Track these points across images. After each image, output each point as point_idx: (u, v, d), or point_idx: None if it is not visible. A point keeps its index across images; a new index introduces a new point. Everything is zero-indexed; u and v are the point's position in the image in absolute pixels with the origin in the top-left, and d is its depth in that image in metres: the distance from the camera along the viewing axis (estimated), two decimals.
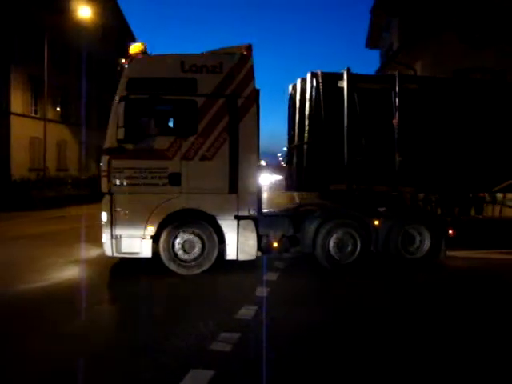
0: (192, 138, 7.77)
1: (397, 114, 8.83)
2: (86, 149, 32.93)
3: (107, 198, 7.75)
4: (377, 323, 5.66)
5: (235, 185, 7.86)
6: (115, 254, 7.77)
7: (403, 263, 8.64)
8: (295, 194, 10.56)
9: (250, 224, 7.93)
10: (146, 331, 5.26)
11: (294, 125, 9.45)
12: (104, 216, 7.76)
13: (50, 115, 28.19)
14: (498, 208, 10.15)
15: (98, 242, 8.30)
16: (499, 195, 9.88)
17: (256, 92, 8.06)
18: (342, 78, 8.89)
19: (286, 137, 10.22)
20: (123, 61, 8.12)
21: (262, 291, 6.79)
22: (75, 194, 23.48)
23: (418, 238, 8.69)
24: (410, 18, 23.14)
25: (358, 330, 5.39)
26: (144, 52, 8.10)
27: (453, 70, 19.17)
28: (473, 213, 9.90)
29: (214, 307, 6.20)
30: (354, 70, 9.07)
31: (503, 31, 21.26)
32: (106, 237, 7.76)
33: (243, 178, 7.90)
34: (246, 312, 5.83)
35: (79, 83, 31.27)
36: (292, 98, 9.80)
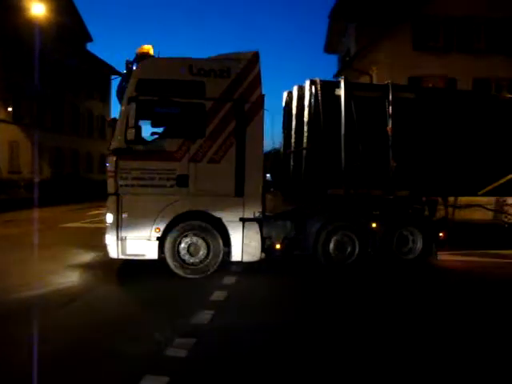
0: (200, 141, 7.88)
1: (391, 121, 9.15)
2: (40, 150, 31.99)
3: (113, 198, 7.71)
4: (339, 326, 5.71)
5: (241, 188, 8.00)
6: (120, 256, 7.74)
7: (389, 264, 9.02)
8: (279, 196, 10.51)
9: (255, 226, 8.09)
10: (102, 336, 5.15)
11: (291, 131, 9.68)
12: (109, 217, 7.72)
13: (1, 115, 27.26)
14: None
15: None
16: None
17: (262, 97, 8.22)
18: (339, 86, 9.16)
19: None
20: (129, 61, 8.20)
21: (219, 295, 6.76)
22: (28, 197, 22.81)
23: (410, 240, 9.13)
24: (367, 24, 23.64)
25: (316, 334, 5.41)
26: (151, 54, 8.16)
27: (408, 76, 19.77)
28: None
29: (171, 312, 6.12)
30: (313, 75, 9.25)
31: (455, 40, 22.02)
32: (110, 238, 7.71)
33: (249, 182, 8.04)
34: (202, 317, 5.77)
35: (32, 83, 30.39)
36: (288, 104, 10.01)
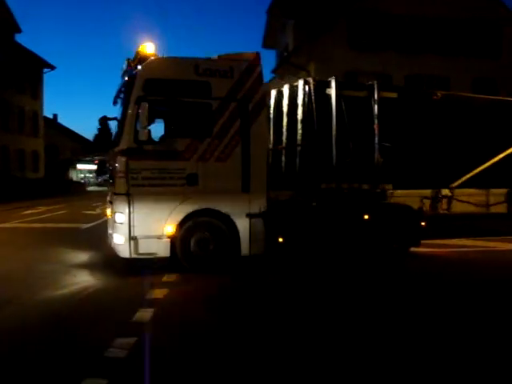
0: (208, 140, 8.07)
1: (376, 119, 9.81)
2: None
3: (123, 198, 7.74)
4: (278, 323, 5.70)
5: (247, 185, 8.28)
6: (133, 256, 7.78)
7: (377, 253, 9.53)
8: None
9: (261, 221, 8.34)
10: (40, 338, 4.95)
11: (282, 128, 9.91)
12: (120, 217, 7.77)
13: None
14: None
15: None
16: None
17: (264, 97, 8.61)
18: (330, 86, 9.61)
19: None
20: (131, 60, 8.28)
21: (160, 293, 6.66)
22: None
23: (398, 229, 9.62)
24: (305, 20, 23.91)
25: (256, 332, 5.38)
26: (154, 53, 8.12)
27: (344, 72, 20.18)
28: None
29: (110, 311, 5.96)
30: None
31: (389, 38, 22.70)
32: (122, 238, 7.76)
33: (254, 178, 8.31)
34: (143, 315, 5.64)
35: None
36: (278, 102, 10.18)
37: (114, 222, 7.98)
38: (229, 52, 8.50)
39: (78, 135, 61.92)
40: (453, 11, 22.55)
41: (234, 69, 8.25)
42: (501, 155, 11.42)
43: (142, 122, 7.53)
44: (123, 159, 7.77)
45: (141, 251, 7.78)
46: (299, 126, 9.51)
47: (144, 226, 7.76)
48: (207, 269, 8.05)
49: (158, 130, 8.44)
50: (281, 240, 8.61)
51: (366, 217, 9.38)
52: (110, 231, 8.98)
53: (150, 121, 7.77)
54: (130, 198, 7.72)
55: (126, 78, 8.45)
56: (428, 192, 11.07)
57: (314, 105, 9.44)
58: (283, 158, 9.83)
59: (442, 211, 11.20)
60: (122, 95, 8.96)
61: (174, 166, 7.96)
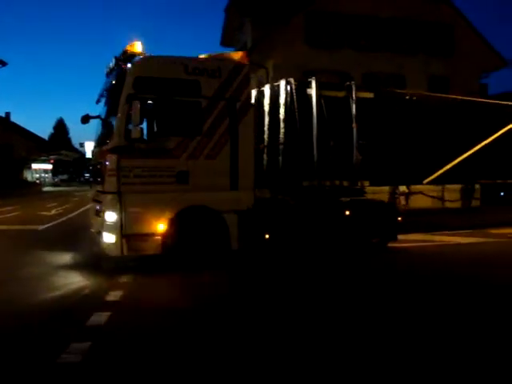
0: (198, 138, 8.16)
1: (354, 118, 10.16)
2: None
3: (114, 197, 7.71)
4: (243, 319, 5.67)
5: (236, 182, 8.44)
6: (125, 253, 7.76)
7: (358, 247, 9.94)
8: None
9: (248, 218, 8.49)
10: None
11: (263, 127, 9.95)
12: (111, 216, 7.72)
13: None
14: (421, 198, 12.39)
15: None
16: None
17: (250, 96, 8.91)
18: (310, 86, 9.86)
19: None
20: (119, 58, 8.25)
21: (115, 295, 6.52)
22: None
23: (377, 225, 10.06)
24: (263, 18, 23.89)
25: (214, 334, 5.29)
26: (142, 51, 8.14)
27: (303, 70, 20.27)
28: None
29: (64, 314, 5.78)
30: None
31: (345, 37, 22.95)
32: (113, 237, 7.71)
33: (242, 176, 8.50)
34: (98, 318, 5.48)
35: None
36: (259, 101, 10.20)
37: (104, 220, 7.87)
38: (212, 52, 8.77)
39: (33, 134, 60.07)
40: (408, 12, 22.96)
41: (222, 68, 8.39)
42: (469, 152, 12.12)
43: (134, 120, 7.53)
44: (114, 157, 7.72)
45: (133, 249, 7.78)
46: (282, 125, 9.67)
47: (135, 224, 7.75)
48: (198, 265, 8.09)
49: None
50: (267, 236, 8.81)
51: (348, 213, 9.77)
52: (93, 229, 9.05)
53: (142, 119, 7.72)
54: (120, 196, 7.69)
55: (114, 76, 8.41)
56: (386, 188, 11.34)
57: (295, 104, 9.66)
58: (265, 157, 9.92)
59: (401, 207, 11.49)
60: (105, 93, 9.01)
61: (164, 163, 8.00)
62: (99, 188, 8.54)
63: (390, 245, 10.31)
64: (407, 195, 11.92)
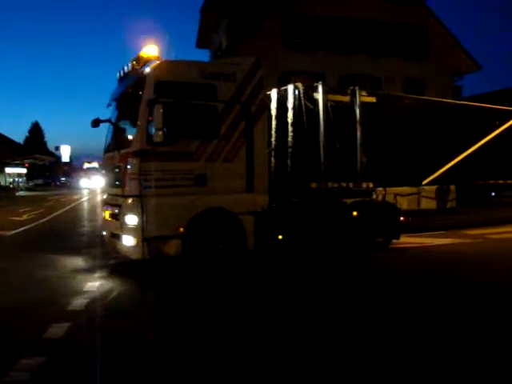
0: (215, 141, 8.31)
1: (359, 122, 10.42)
2: None
3: (136, 200, 7.78)
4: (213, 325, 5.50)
5: (251, 184, 8.64)
6: (145, 256, 7.75)
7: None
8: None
9: (263, 219, 8.69)
10: None
11: (270, 130, 9.95)
12: (132, 219, 7.77)
13: None
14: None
15: None
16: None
17: (264, 100, 9.12)
18: (317, 91, 10.08)
19: None
20: (136, 61, 8.34)
21: (78, 304, 6.23)
22: None
23: (382, 224, 10.45)
24: (239, 19, 23.76)
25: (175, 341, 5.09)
26: (158, 55, 8.25)
27: (279, 72, 20.20)
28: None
29: (19, 325, 5.46)
30: None
31: (321, 38, 22.94)
32: (134, 240, 7.73)
33: (257, 178, 8.71)
34: (56, 331, 5.14)
35: None
36: None
37: (124, 224, 7.91)
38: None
39: (7, 138, 58.94)
40: (383, 14, 23.11)
41: (236, 73, 8.60)
42: (464, 153, 12.56)
43: (156, 124, 7.62)
44: (136, 161, 7.80)
45: (154, 252, 7.78)
46: (290, 128, 9.84)
47: (156, 227, 7.77)
48: (217, 265, 8.16)
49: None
50: (280, 237, 9.08)
51: (355, 213, 10.16)
52: (105, 233, 9.12)
53: (168, 122, 7.77)
54: (142, 199, 7.74)
55: (131, 81, 8.53)
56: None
57: (303, 109, 9.87)
58: (273, 160, 9.97)
59: None
60: (118, 98, 9.14)
61: (185, 166, 8.10)
62: (115, 191, 8.63)
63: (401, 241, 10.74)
64: (383, 196, 11.92)
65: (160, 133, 7.62)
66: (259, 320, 5.63)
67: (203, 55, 32.72)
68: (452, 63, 24.33)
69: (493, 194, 19.85)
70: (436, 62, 23.79)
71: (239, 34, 22.56)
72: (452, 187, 15.47)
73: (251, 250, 8.57)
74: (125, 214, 7.93)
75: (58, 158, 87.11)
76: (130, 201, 7.89)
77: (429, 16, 24.61)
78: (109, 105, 9.46)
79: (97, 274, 8.15)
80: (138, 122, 7.94)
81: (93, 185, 57.74)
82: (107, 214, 9.04)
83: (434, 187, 13.54)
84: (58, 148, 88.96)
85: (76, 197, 37.01)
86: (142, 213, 7.69)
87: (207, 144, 8.24)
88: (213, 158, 8.27)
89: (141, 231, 7.67)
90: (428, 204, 14.67)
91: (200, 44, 31.79)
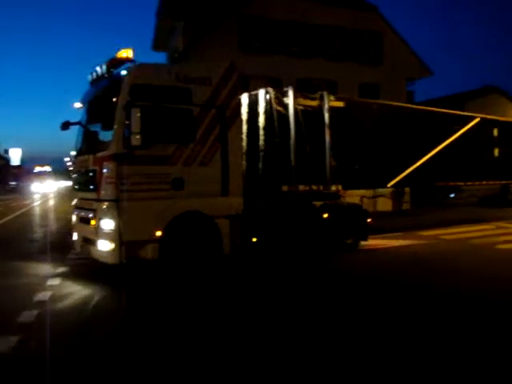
0: (191, 145, 8.36)
1: (328, 126, 10.68)
2: None
3: (112, 205, 7.70)
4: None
5: (227, 188, 8.72)
6: (123, 261, 7.69)
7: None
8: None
9: (238, 223, 8.79)
10: None
11: (241, 134, 9.93)
12: (108, 223, 7.69)
13: None
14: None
15: None
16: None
17: (239, 104, 9.21)
18: (287, 95, 10.24)
19: (69, 143, 10.20)
20: (110, 64, 8.26)
21: (29, 315, 5.91)
22: None
23: (352, 226, 10.76)
24: (195, 22, 23.58)
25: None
26: (131, 58, 8.14)
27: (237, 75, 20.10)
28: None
29: None
30: None
31: (277, 42, 23.05)
32: (111, 245, 7.66)
33: (232, 182, 8.80)
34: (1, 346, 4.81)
35: None
36: None
37: (100, 228, 7.82)
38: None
39: None
40: (339, 21, 23.46)
41: (212, 77, 8.67)
42: (427, 156, 13.18)
43: (134, 127, 7.55)
44: (113, 165, 7.71)
45: (131, 256, 7.72)
46: (261, 132, 9.93)
47: (133, 232, 7.72)
48: (193, 269, 8.18)
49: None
50: (255, 240, 9.20)
51: (325, 216, 10.41)
52: (76, 238, 9.06)
53: (145, 126, 7.67)
54: (118, 203, 7.65)
55: (106, 84, 8.46)
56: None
57: (274, 113, 10.00)
58: (244, 163, 9.90)
59: None
60: (89, 100, 9.09)
61: (161, 170, 8.10)
62: (89, 195, 8.49)
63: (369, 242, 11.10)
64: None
65: (137, 136, 7.56)
66: (228, 324, 5.61)
67: (160, 58, 32.29)
68: (405, 68, 24.94)
69: (452, 195, 20.58)
70: (390, 67, 24.33)
71: (195, 37, 22.38)
72: (407, 189, 15.94)
73: (227, 254, 8.63)
74: (101, 219, 7.85)
75: (7, 161, 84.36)
76: (106, 205, 7.82)
77: (382, 22, 25.17)
78: (79, 107, 9.35)
79: (48, 282, 7.80)
80: (114, 126, 7.86)
81: (45, 189, 56.14)
82: (78, 219, 8.91)
83: (390, 190, 13.91)
84: (7, 151, 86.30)
85: (27, 202, 35.78)
86: (119, 217, 7.64)
87: (183, 148, 8.27)
88: (189, 162, 8.30)
89: (118, 236, 7.61)
90: (384, 206, 15.10)
91: (156, 47, 31.36)
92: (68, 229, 10.73)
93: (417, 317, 5.81)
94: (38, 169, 70.01)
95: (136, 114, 7.57)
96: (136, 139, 7.56)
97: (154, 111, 7.93)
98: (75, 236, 9.17)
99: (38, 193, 53.71)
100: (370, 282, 7.81)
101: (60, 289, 7.44)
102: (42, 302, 6.56)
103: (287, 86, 10.65)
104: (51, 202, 35.94)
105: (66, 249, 10.55)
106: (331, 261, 9.74)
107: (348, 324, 5.60)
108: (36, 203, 34.36)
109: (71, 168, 11.00)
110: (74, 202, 9.47)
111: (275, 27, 22.88)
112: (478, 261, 9.54)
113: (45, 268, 9.05)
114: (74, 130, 9.41)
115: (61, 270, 8.82)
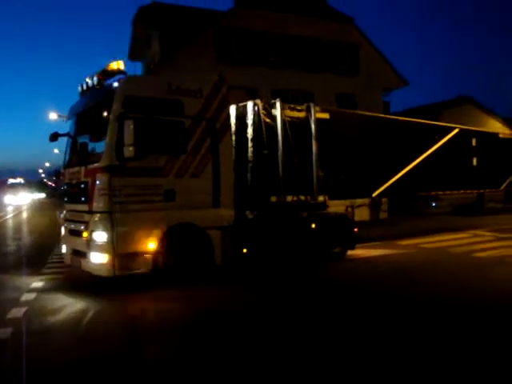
0: (183, 157, 8.36)
1: (314, 137, 10.74)
2: None
3: (105, 217, 7.65)
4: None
5: (218, 199, 8.73)
6: (117, 273, 7.61)
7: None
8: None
9: (229, 234, 8.81)
10: None
11: None
12: (101, 236, 7.62)
13: None
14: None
15: None
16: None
17: (229, 116, 9.20)
18: (275, 107, 10.27)
19: (44, 155, 10.08)
20: (101, 76, 8.26)
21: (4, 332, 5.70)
22: None
23: (339, 235, 10.80)
24: (171, 32, 23.51)
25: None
26: (122, 70, 8.21)
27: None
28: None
29: None
30: None
31: (254, 53, 23.15)
32: (104, 257, 7.58)
33: (223, 194, 8.81)
34: None
35: None
36: None
37: (92, 241, 7.73)
38: None
39: None
40: (314, 31, 23.72)
41: (202, 89, 8.68)
42: (409, 166, 13.43)
43: (127, 139, 7.51)
44: (105, 176, 7.66)
45: (124, 268, 7.65)
46: (250, 143, 9.96)
47: (126, 244, 7.66)
48: (187, 280, 8.12)
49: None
50: (245, 251, 9.16)
51: (313, 226, 10.44)
52: (65, 250, 8.95)
53: (138, 137, 7.60)
54: (111, 215, 7.60)
55: (97, 95, 8.40)
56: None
57: (263, 124, 10.04)
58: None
59: None
60: (79, 111, 8.97)
61: (154, 182, 8.08)
62: (80, 207, 8.42)
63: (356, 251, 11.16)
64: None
65: (130, 148, 7.50)
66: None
67: (136, 67, 32.10)
68: (381, 79, 25.31)
69: (434, 204, 20.87)
70: (366, 77, 24.68)
71: (172, 46, 22.31)
72: (384, 199, 16.06)
73: (218, 264, 8.62)
74: (93, 231, 7.75)
75: None
76: (98, 217, 7.76)
77: (358, 34, 25.55)
78: (68, 118, 9.28)
79: (23, 297, 7.53)
80: (107, 137, 7.79)
81: (18, 201, 55.03)
82: (68, 231, 8.80)
83: (367, 200, 13.95)
84: None
85: (0, 214, 35.00)
86: (112, 229, 7.56)
87: (175, 160, 8.26)
88: (181, 174, 8.31)
89: (111, 248, 7.53)
90: (362, 215, 15.13)
91: (133, 56, 31.18)
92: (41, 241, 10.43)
93: (399, 326, 5.82)
94: (11, 181, 68.67)
95: (129, 126, 7.53)
96: (129, 151, 7.52)
97: (146, 123, 7.90)
98: (64, 248, 9.06)
99: (11, 205, 52.57)
100: (356, 292, 7.76)
101: (35, 303, 7.20)
102: (14, 318, 6.32)
103: (262, 97, 10.75)
104: (25, 215, 35.19)
105: (40, 262, 10.30)
106: (317, 270, 9.73)
107: (332, 332, 5.61)
108: (9, 215, 33.59)
109: (45, 180, 10.82)
110: (62, 214, 9.36)
111: (252, 38, 23.02)
112: (456, 270, 9.59)
113: (20, 282, 8.79)
114: (48, 142, 9.18)
115: (36, 284, 8.54)
